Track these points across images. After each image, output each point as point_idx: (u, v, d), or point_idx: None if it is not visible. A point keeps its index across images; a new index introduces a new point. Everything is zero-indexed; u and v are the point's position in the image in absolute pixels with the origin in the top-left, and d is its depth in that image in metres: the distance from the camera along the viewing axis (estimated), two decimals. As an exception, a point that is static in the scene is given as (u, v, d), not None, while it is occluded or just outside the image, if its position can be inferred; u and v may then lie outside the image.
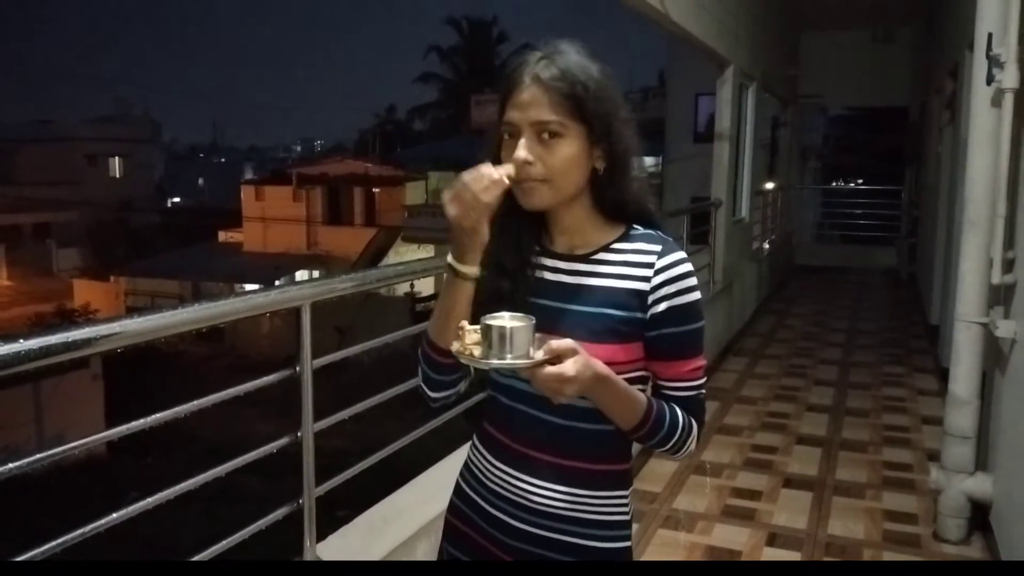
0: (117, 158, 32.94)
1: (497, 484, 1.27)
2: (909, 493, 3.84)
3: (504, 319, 1.08)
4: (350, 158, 28.51)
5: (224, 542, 1.73)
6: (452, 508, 1.37)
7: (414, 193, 24.57)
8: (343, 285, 2.04)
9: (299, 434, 1.92)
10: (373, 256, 22.45)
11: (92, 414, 12.94)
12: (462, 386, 1.31)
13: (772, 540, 3.35)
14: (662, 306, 1.18)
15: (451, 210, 1.12)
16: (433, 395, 1.30)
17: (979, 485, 3.25)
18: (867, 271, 11.07)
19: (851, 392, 5.53)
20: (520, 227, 1.24)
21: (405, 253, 21.81)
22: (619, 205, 1.23)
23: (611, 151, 1.18)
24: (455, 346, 1.12)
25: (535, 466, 1.24)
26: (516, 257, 1.24)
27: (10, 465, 1.22)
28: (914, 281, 9.78)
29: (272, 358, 15.80)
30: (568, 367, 1.05)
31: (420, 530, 2.27)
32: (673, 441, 1.20)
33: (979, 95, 3.21)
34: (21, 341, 1.21)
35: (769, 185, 9.96)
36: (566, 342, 1.07)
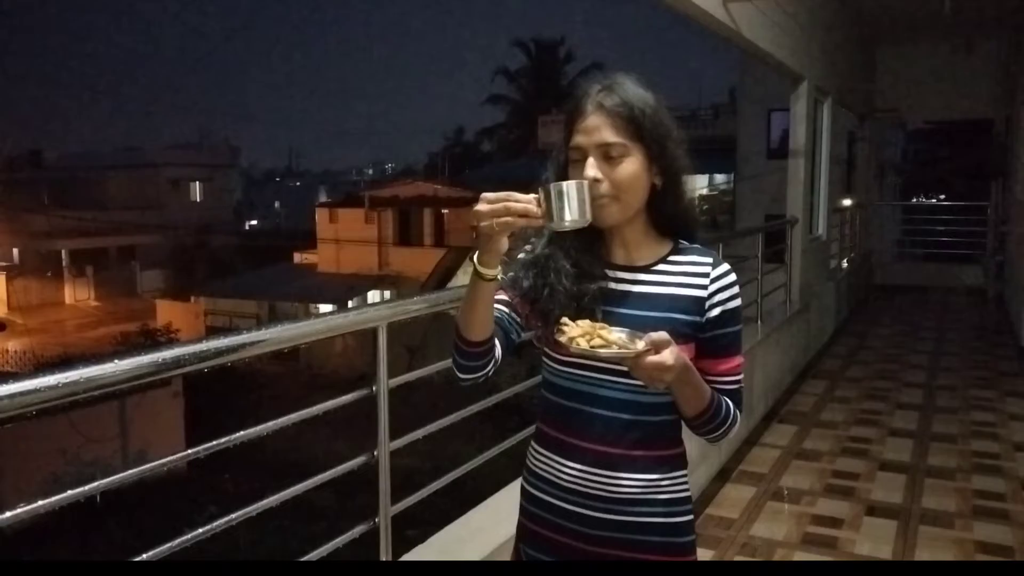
0: (198, 183, 34.14)
1: (574, 482, 1.38)
2: (1003, 524, 3.65)
3: (560, 184, 1.18)
4: (420, 180, 28.88)
5: (301, 559, 1.75)
6: (525, 512, 1.47)
7: (482, 214, 24.69)
8: (417, 306, 2.06)
9: (375, 453, 1.93)
10: (442, 276, 22.65)
11: (173, 430, 13.33)
12: (490, 370, 1.39)
13: (855, 570, 3.22)
14: (716, 310, 1.36)
15: (482, 207, 1.17)
16: (463, 376, 1.39)
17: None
18: (951, 290, 10.64)
19: (937, 417, 5.31)
20: (577, 250, 1.36)
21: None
22: (672, 219, 1.39)
23: (667, 168, 1.34)
24: (562, 339, 1.22)
25: (612, 460, 1.36)
26: (579, 277, 1.34)
27: (104, 481, 1.27)
28: (1002, 300, 9.37)
29: (346, 376, 16.07)
30: (667, 356, 1.18)
31: (496, 549, 2.26)
32: (725, 427, 1.37)
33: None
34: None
35: (847, 202, 9.71)
36: (663, 335, 1.19)
